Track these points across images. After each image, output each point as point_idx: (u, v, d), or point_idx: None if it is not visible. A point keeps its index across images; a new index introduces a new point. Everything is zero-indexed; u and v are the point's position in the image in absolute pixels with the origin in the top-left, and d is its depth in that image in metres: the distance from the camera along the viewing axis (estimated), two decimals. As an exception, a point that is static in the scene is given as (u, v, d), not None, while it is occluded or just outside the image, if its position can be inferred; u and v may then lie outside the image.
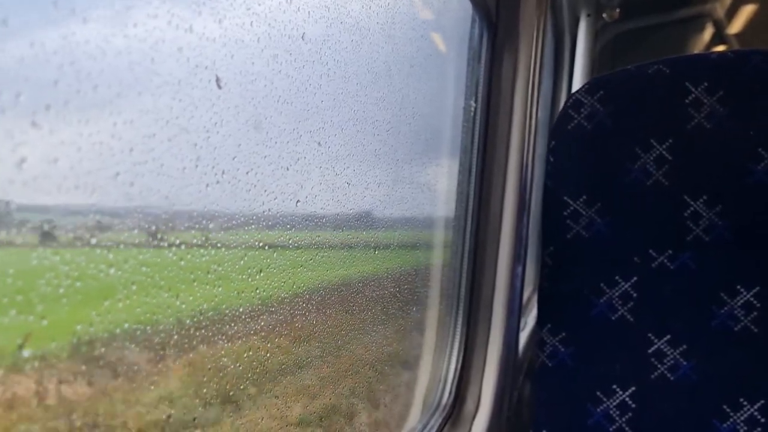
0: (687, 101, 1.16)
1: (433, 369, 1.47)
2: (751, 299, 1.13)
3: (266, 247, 0.74)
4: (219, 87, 0.62)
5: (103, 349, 0.52)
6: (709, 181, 1.15)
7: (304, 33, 0.72)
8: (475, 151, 1.52)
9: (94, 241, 0.49)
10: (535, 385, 1.26)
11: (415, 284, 1.40)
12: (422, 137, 1.33)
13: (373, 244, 1.08)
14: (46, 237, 0.45)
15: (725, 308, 1.14)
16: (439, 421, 1.41)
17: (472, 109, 1.50)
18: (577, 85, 3.10)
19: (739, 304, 1.14)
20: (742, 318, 1.14)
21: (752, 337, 1.13)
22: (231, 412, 0.73)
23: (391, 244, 1.19)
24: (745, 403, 1.12)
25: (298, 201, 0.80)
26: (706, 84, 1.15)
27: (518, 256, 1.49)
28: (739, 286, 1.14)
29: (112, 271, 0.51)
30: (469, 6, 1.48)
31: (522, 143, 1.48)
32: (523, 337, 1.84)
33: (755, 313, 1.13)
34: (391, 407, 1.31)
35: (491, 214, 1.49)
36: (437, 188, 1.44)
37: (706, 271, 1.16)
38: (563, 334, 1.23)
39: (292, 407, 0.86)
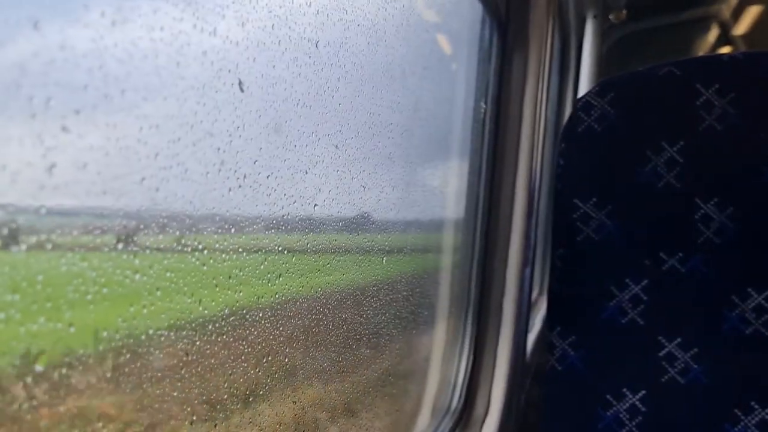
0: (698, 103, 1.16)
1: (443, 372, 1.47)
2: (763, 302, 1.13)
3: (285, 252, 0.74)
4: (241, 90, 0.61)
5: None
6: (720, 184, 1.15)
7: (318, 41, 0.71)
8: (484, 153, 1.52)
9: (120, 246, 0.48)
10: (544, 388, 1.26)
11: (427, 287, 1.39)
12: (434, 139, 1.33)
13: (386, 247, 1.08)
14: (74, 242, 0.44)
15: (736, 311, 1.14)
16: (450, 424, 1.41)
17: (483, 110, 1.50)
18: (583, 86, 3.10)
19: (750, 307, 1.13)
20: (754, 321, 1.13)
21: (764, 341, 1.13)
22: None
23: (404, 247, 1.19)
24: (756, 406, 1.12)
25: (316, 205, 0.80)
26: (717, 86, 1.15)
27: (527, 259, 1.49)
28: (750, 289, 1.14)
29: (137, 276, 0.50)
30: (479, 7, 1.48)
31: (531, 145, 1.48)
32: (530, 339, 1.84)
33: (766, 317, 1.13)
34: (402, 409, 1.31)
35: (501, 215, 1.49)
36: (448, 190, 1.44)
37: (717, 274, 1.15)
38: (573, 337, 1.23)
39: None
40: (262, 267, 0.70)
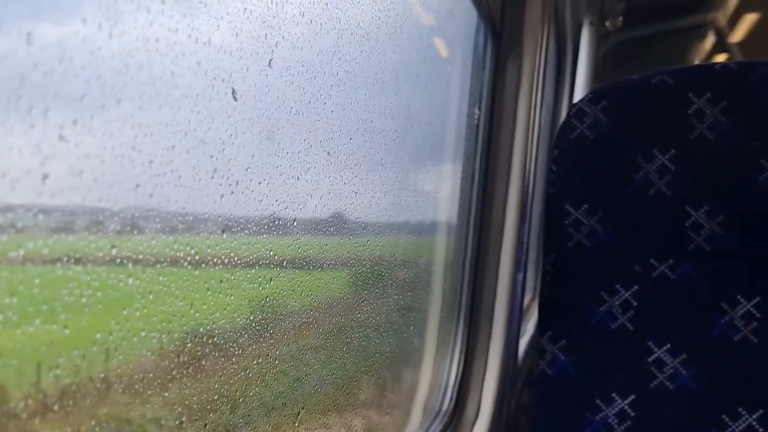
0: (690, 111, 1.16)
1: (433, 375, 1.47)
2: (752, 309, 1.14)
3: (276, 256, 0.75)
4: (235, 99, 0.63)
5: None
6: (711, 191, 1.16)
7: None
8: (478, 159, 1.52)
9: (114, 251, 0.50)
10: (534, 392, 1.27)
11: (418, 290, 1.40)
12: (427, 144, 1.34)
13: (378, 252, 1.09)
14: (70, 248, 0.46)
15: (725, 318, 1.15)
16: (440, 427, 1.42)
17: (476, 116, 1.51)
18: (578, 93, 3.11)
19: (739, 314, 1.14)
20: (742, 328, 1.14)
21: (752, 347, 1.14)
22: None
23: (396, 251, 1.20)
24: (743, 412, 1.13)
25: (307, 210, 0.81)
26: (709, 94, 1.16)
27: (519, 264, 1.50)
28: (739, 296, 1.15)
29: (131, 280, 0.52)
30: (474, 14, 1.49)
31: (525, 151, 1.49)
32: (522, 344, 1.85)
33: (755, 324, 1.14)
34: (392, 412, 1.31)
35: (493, 221, 1.49)
36: (440, 195, 1.45)
37: (706, 281, 1.16)
38: (563, 341, 1.23)
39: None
40: (253, 271, 0.71)
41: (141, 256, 0.53)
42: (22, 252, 0.42)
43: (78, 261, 0.46)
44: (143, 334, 0.54)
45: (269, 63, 0.69)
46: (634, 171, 1.19)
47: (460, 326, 1.52)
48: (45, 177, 0.42)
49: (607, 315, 1.20)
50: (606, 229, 1.21)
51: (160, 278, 0.56)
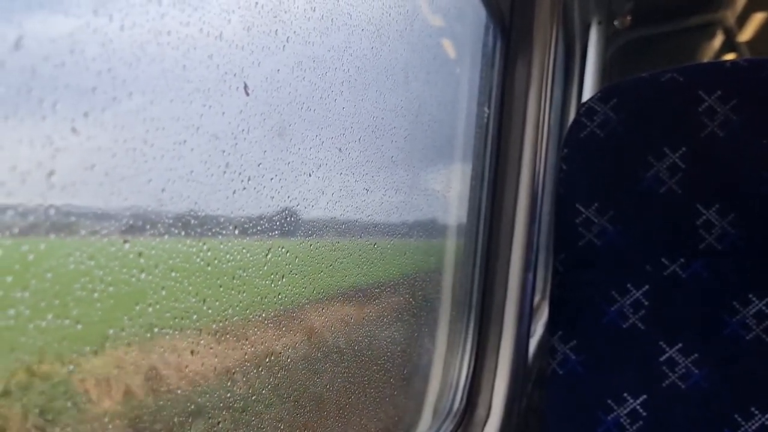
0: (700, 109, 1.16)
1: (444, 375, 1.47)
2: (764, 308, 1.13)
3: (288, 253, 0.75)
4: (246, 94, 0.62)
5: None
6: (722, 190, 1.15)
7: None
8: (487, 158, 1.52)
9: (127, 246, 0.49)
10: (545, 392, 1.26)
11: (428, 290, 1.40)
12: (437, 143, 1.33)
13: (389, 251, 1.08)
14: (82, 241, 0.45)
15: (737, 317, 1.14)
16: (450, 427, 1.42)
17: (486, 115, 1.51)
18: (587, 92, 3.10)
19: (751, 313, 1.13)
20: (754, 327, 1.13)
21: (764, 347, 1.13)
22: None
23: (406, 250, 1.20)
24: (756, 412, 1.12)
25: (319, 207, 0.80)
26: (719, 92, 1.15)
27: (529, 263, 1.49)
28: (751, 295, 1.14)
29: (143, 275, 0.51)
30: (483, 13, 1.48)
31: (534, 150, 1.49)
32: (533, 344, 1.84)
33: (767, 322, 1.13)
34: (403, 412, 1.31)
35: (503, 220, 1.49)
36: (450, 194, 1.44)
37: (718, 280, 1.15)
38: (574, 341, 1.23)
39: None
40: (265, 268, 0.70)
41: (153, 252, 0.53)
42: (33, 246, 0.41)
43: (90, 256, 0.46)
44: (156, 330, 0.54)
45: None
46: (644, 169, 1.18)
47: (470, 326, 1.52)
48: (56, 170, 0.41)
49: (618, 314, 1.20)
50: (617, 228, 1.20)
51: (173, 274, 0.55)
